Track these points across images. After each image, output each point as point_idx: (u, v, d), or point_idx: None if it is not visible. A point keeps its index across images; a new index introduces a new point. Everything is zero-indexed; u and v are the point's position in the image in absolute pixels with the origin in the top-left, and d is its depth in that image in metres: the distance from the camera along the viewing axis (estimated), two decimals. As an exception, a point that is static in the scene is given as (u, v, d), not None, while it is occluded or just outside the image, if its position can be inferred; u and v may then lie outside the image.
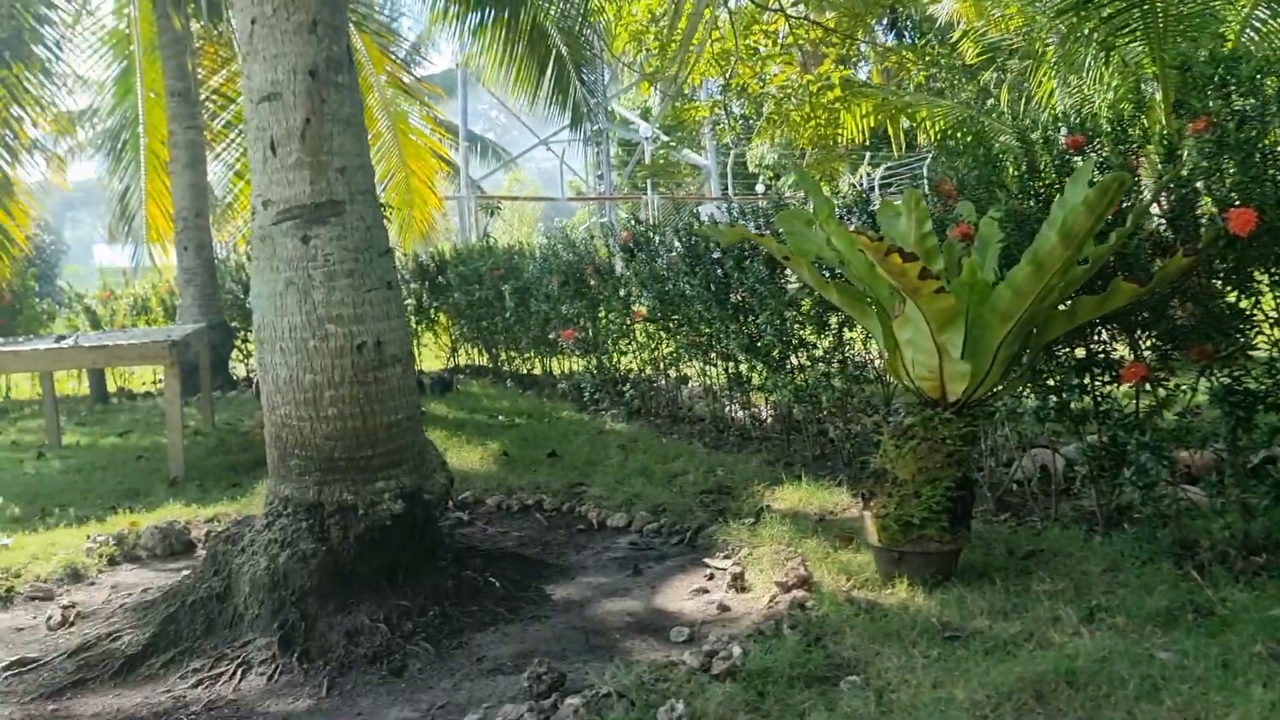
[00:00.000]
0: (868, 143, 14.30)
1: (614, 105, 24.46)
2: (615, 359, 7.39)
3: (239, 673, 2.92)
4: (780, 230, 3.67)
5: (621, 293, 6.91)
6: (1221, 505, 3.08)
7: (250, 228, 3.31)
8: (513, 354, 9.47)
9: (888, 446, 3.22)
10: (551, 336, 7.99)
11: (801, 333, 5.09)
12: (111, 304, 10.87)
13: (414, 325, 10.09)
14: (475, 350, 10.40)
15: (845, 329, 4.99)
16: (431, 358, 10.87)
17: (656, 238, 6.42)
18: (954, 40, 14.67)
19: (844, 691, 2.41)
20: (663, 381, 6.94)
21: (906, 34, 22.21)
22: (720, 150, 23.90)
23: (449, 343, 10.72)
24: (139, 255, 11.91)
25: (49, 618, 3.49)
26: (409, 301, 9.99)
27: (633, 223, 6.83)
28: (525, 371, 9.28)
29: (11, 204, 9.39)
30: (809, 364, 5.08)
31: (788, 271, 5.13)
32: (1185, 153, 3.18)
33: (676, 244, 6.04)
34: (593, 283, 7.28)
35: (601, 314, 7.35)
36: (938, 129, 11.17)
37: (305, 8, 3.13)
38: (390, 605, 3.13)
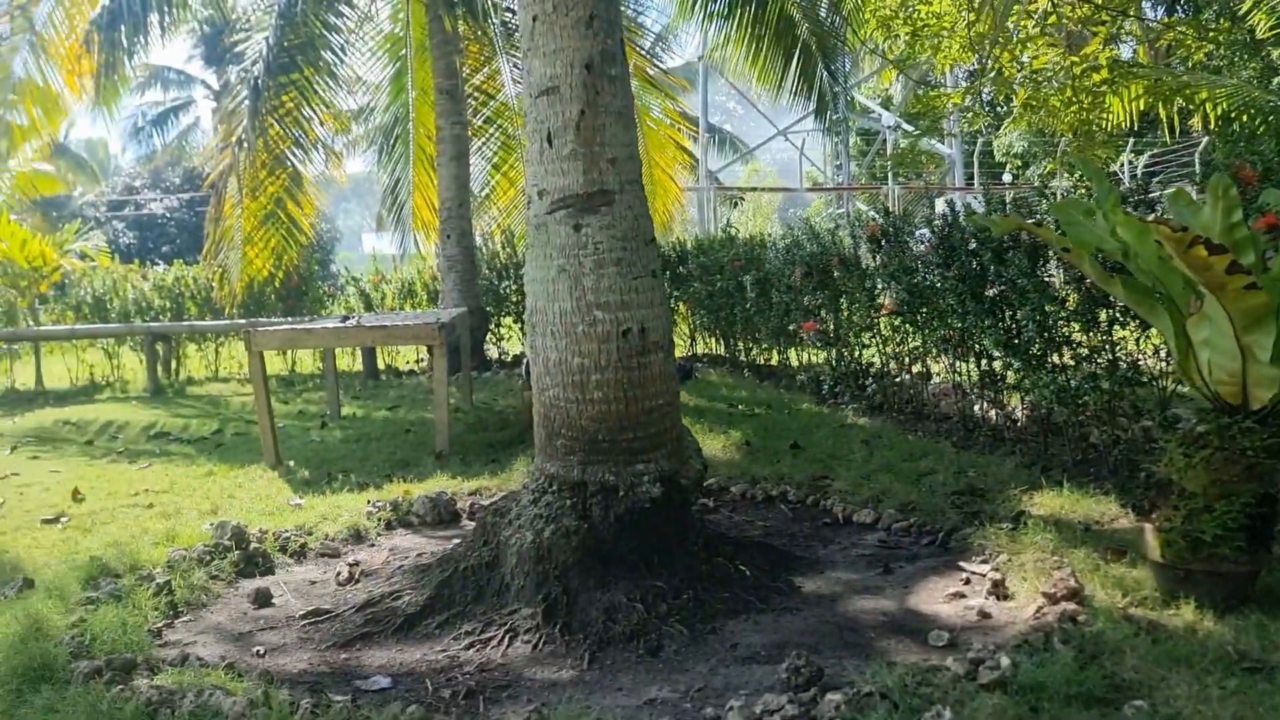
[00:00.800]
0: (1134, 128, 13.24)
1: (854, 94, 23.90)
2: (857, 352, 7.26)
3: (506, 639, 3.09)
4: (1056, 220, 3.46)
5: (867, 285, 6.77)
6: None
7: (524, 217, 3.48)
8: (750, 344, 9.49)
9: (1174, 455, 2.98)
10: (791, 328, 7.94)
11: (1066, 329, 4.78)
12: (382, 288, 11.78)
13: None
14: (713, 339, 10.50)
15: (1116, 326, 4.65)
16: (670, 346, 11.05)
17: (906, 229, 6.23)
18: (1242, 13, 13.31)
19: (1128, 717, 2.26)
20: (905, 376, 6.74)
21: (1180, 8, 20.39)
22: (965, 139, 22.87)
23: (688, 331, 10.88)
24: (405, 243, 12.83)
25: (338, 574, 3.84)
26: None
27: (880, 213, 6.66)
28: (763, 362, 9.29)
29: (301, 196, 10.35)
30: (1073, 363, 4.77)
31: (1050, 264, 4.84)
32: None
33: (927, 234, 5.83)
34: (836, 274, 7.17)
35: (844, 306, 7.24)
36: (1220, 111, 10.19)
37: (583, 3, 3.25)
38: (645, 586, 3.21)
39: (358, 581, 3.78)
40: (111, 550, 3.98)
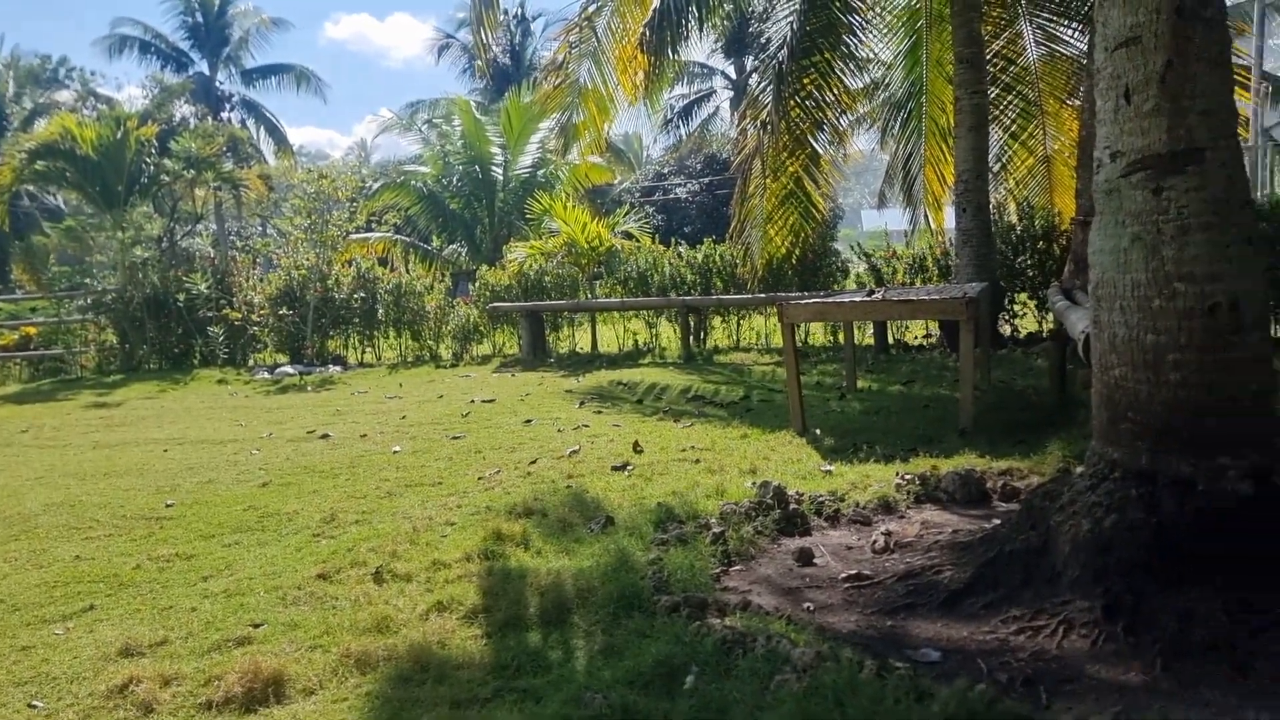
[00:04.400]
0: None
1: None
2: None
3: (1060, 630, 2.91)
4: None
5: None
6: None
7: (1094, 181, 3.23)
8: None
9: None
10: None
11: None
12: (893, 263, 11.76)
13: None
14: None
15: None
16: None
17: None
18: None
19: None
20: None
21: None
22: None
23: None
24: (915, 218, 12.67)
25: (873, 541, 3.91)
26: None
27: None
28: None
29: (819, 175, 10.67)
30: None
31: None
32: None
33: None
34: None
35: None
36: None
37: (1175, -61, 2.91)
38: (1228, 595, 2.84)
39: (892, 551, 3.82)
40: (672, 498, 4.44)
